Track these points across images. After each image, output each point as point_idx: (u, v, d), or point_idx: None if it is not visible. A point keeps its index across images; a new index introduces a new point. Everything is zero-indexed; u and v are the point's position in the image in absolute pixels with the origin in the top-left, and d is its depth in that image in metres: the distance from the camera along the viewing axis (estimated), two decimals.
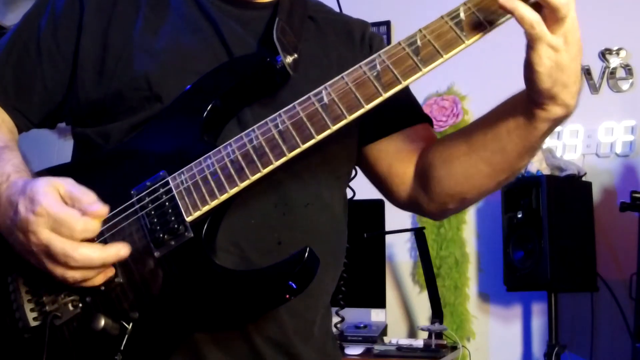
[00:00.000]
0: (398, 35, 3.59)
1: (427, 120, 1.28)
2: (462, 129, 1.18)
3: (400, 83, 0.99)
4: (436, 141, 1.22)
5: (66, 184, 0.96)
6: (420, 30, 1.00)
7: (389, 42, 3.57)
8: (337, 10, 2.21)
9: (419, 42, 0.99)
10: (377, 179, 1.27)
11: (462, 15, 0.99)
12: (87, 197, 0.96)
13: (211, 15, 1.15)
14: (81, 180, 1.00)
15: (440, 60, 0.98)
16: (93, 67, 1.12)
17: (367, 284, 3.12)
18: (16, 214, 0.95)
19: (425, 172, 1.18)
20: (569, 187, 2.92)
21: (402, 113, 1.21)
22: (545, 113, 1.01)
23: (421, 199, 1.20)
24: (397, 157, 1.22)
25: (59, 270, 0.94)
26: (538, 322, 3.16)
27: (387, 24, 3.61)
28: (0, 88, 1.14)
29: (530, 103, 1.01)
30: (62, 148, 3.64)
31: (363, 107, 0.99)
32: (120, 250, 0.96)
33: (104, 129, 1.11)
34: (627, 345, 2.78)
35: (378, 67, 1.00)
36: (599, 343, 3.01)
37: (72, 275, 0.94)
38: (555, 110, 1.00)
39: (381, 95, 0.99)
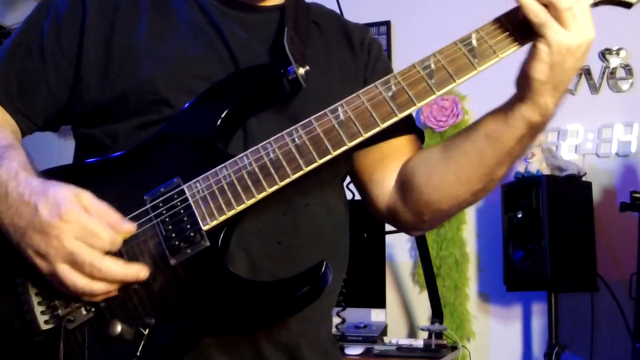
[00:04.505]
0: (398, 35, 3.60)
1: (417, 131, 1.29)
2: (444, 140, 1.20)
3: (414, 104, 1.03)
4: (413, 154, 1.23)
5: (88, 197, 0.96)
6: (434, 55, 1.04)
7: (389, 42, 3.59)
8: (337, 11, 2.21)
9: (432, 66, 1.03)
10: (358, 185, 1.28)
11: (474, 42, 1.03)
12: (113, 213, 0.97)
13: (214, 19, 1.16)
14: (91, 182, 1.00)
15: (453, 84, 1.03)
16: (97, 70, 1.12)
17: (367, 284, 3.12)
18: (36, 215, 0.94)
19: (404, 181, 1.19)
20: (569, 187, 2.92)
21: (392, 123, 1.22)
22: (524, 110, 1.03)
23: (398, 209, 1.20)
24: (379, 165, 1.23)
25: (75, 278, 0.94)
26: (538, 322, 3.16)
27: (387, 24, 3.61)
28: (4, 91, 1.14)
29: (512, 101, 1.04)
30: (62, 148, 3.65)
31: (378, 125, 1.02)
32: (140, 271, 0.96)
33: (111, 128, 1.11)
34: (627, 345, 2.78)
35: (393, 87, 1.03)
36: (599, 343, 3.01)
37: (89, 286, 0.94)
38: (532, 111, 1.02)
39: (396, 115, 1.02)
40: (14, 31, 1.19)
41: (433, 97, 1.03)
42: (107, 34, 1.13)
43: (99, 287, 0.95)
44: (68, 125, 1.22)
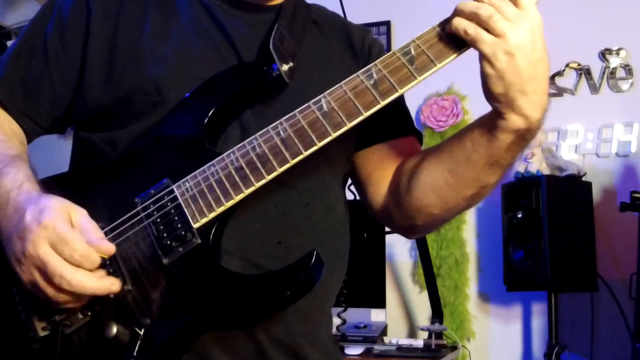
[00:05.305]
0: (398, 35, 3.60)
1: (415, 133, 1.29)
2: (434, 145, 1.19)
3: (397, 91, 1.02)
4: (410, 156, 1.23)
5: (80, 213, 0.96)
6: (413, 40, 1.04)
7: (389, 42, 3.59)
8: (340, 10, 2.21)
9: (413, 52, 1.03)
10: (357, 186, 1.29)
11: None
12: (97, 232, 0.96)
13: (218, 19, 1.16)
14: (83, 188, 1.00)
15: (434, 68, 1.02)
16: (101, 71, 1.12)
17: (367, 284, 3.12)
18: (20, 220, 0.94)
19: (397, 185, 1.19)
20: (569, 187, 2.92)
21: (390, 124, 1.22)
22: (504, 122, 1.01)
23: (392, 211, 1.21)
24: (376, 167, 1.24)
25: (44, 287, 0.92)
26: (538, 322, 3.16)
27: (387, 24, 3.61)
28: (9, 94, 1.14)
29: (493, 113, 1.03)
30: (62, 148, 3.64)
31: (362, 114, 1.02)
32: (112, 285, 0.95)
33: (111, 135, 1.11)
34: (627, 345, 2.78)
35: (375, 75, 1.03)
36: (599, 343, 3.01)
37: (56, 296, 0.93)
38: (514, 120, 1.00)
39: (379, 102, 1.02)
40: (13, 31, 1.19)
41: (415, 82, 1.02)
42: (112, 35, 1.13)
43: (64, 298, 0.93)
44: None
